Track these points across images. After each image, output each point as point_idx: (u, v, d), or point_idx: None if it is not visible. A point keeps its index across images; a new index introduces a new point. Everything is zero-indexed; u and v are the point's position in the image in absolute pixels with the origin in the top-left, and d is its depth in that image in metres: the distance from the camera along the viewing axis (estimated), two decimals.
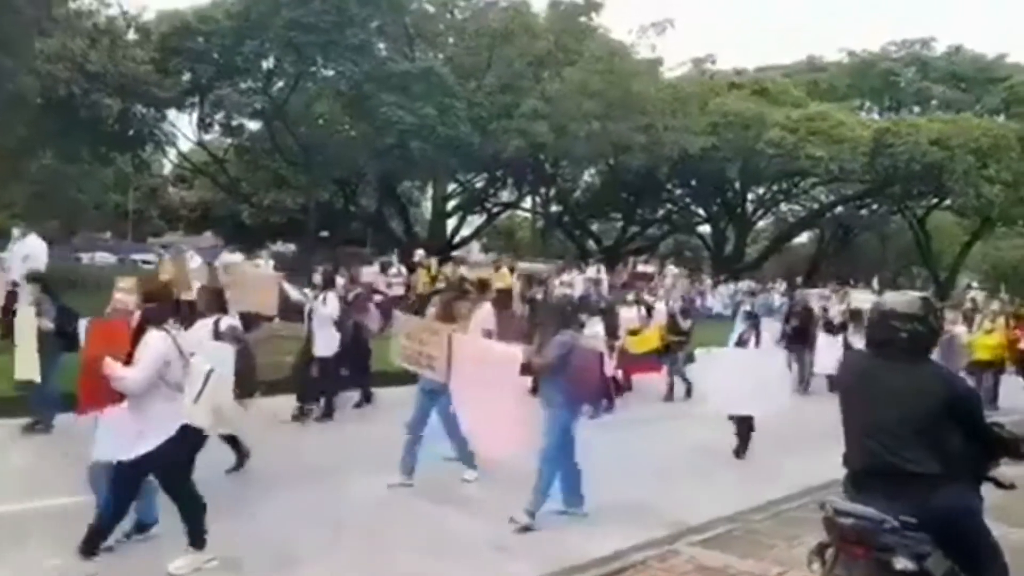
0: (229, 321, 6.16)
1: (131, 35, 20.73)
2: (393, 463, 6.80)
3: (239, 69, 21.92)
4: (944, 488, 3.19)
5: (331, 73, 22.58)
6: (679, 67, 28.11)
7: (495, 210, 31.56)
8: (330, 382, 9.25)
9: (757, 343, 9.03)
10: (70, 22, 18.68)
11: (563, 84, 22.46)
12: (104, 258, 28.88)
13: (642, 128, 23.03)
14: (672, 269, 24.49)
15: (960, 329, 12.59)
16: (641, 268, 29.81)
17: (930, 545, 3.16)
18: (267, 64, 22.35)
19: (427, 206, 30.62)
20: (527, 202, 30.03)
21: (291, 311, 9.63)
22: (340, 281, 10.29)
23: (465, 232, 30.25)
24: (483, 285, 10.74)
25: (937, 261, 32.63)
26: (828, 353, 12.43)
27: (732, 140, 25.48)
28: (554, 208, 30.24)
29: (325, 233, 26.77)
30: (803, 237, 37.18)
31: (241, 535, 5.31)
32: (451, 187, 28.54)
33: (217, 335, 5.94)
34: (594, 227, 34.18)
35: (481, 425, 6.22)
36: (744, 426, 8.55)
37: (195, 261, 13.32)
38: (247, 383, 6.28)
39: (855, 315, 11.04)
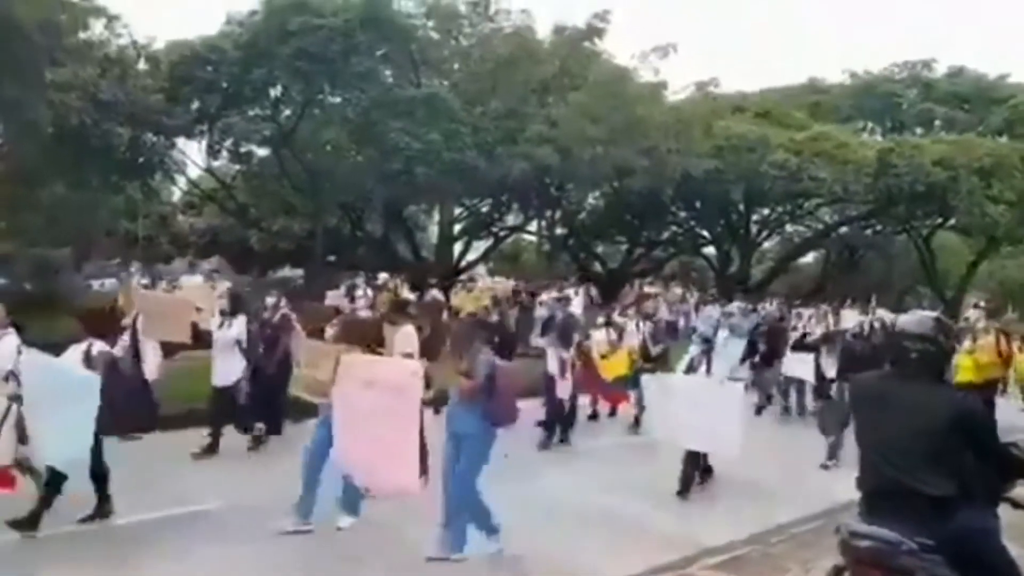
0: (101, 347, 5.97)
1: (141, 64, 20.94)
2: (283, 505, 6.28)
3: (247, 97, 22.16)
4: (960, 509, 3.20)
5: (338, 100, 22.80)
6: (682, 90, 28.30)
7: (501, 234, 31.68)
8: (229, 413, 8.68)
9: (708, 370, 8.24)
10: (81, 52, 18.95)
11: (567, 109, 22.61)
12: (114, 284, 29.03)
13: (646, 151, 23.14)
14: (651, 289, 24.10)
15: None
16: (647, 289, 29.84)
17: (947, 567, 3.17)
18: (275, 92, 22.56)
19: (433, 230, 30.71)
20: (533, 225, 30.11)
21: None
22: (270, 301, 9.88)
23: (471, 256, 30.33)
24: (397, 306, 10.16)
25: (943, 280, 32.56)
26: (797, 365, 11.77)
27: (736, 162, 25.58)
28: (559, 231, 30.33)
29: (332, 258, 26.86)
30: (808, 257, 37.18)
31: None
32: (457, 211, 28.66)
33: (88, 361, 5.80)
34: (599, 249, 34.24)
35: (368, 457, 5.52)
36: (692, 462, 7.85)
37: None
38: (137, 413, 6.16)
39: (827, 338, 10.24)
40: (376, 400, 5.40)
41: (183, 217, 34.44)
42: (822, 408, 9.69)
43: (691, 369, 8.36)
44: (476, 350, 5.64)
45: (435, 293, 16.06)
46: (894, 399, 3.35)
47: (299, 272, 29.70)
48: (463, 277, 28.46)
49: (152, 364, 8.72)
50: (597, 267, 33.57)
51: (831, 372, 9.57)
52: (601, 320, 12.34)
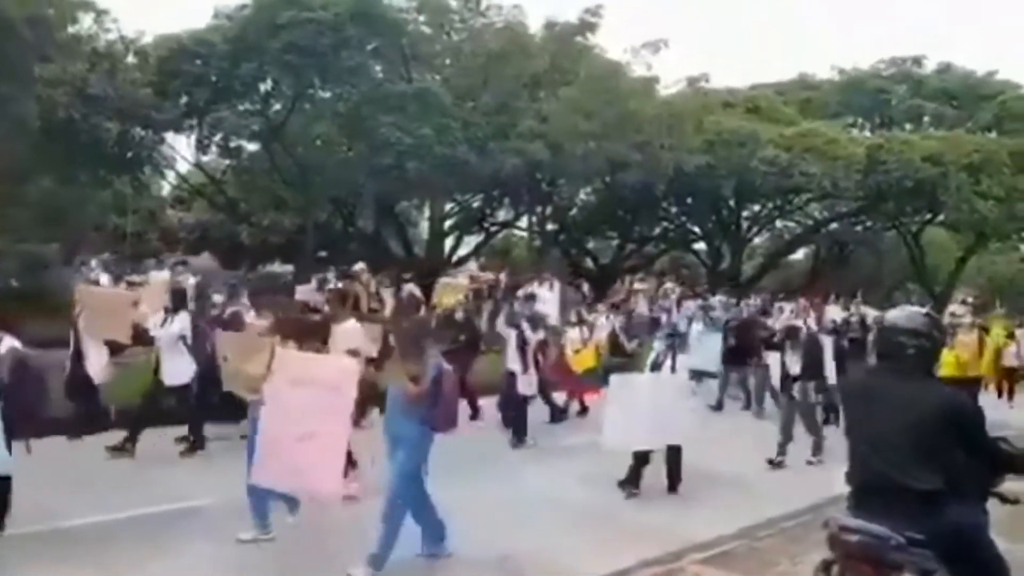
0: (11, 343, 5.62)
1: (130, 59, 20.83)
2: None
3: (237, 91, 22.03)
4: (949, 504, 3.22)
5: (328, 95, 22.72)
6: (674, 85, 28.33)
7: (492, 229, 31.65)
8: (192, 412, 8.35)
9: (674, 366, 8.05)
10: (70, 47, 18.81)
11: (559, 104, 22.61)
12: (104, 279, 28.83)
13: (638, 146, 23.17)
14: (641, 285, 23.80)
15: None
16: (637, 286, 29.86)
17: (936, 562, 3.19)
18: (265, 86, 22.46)
19: (425, 226, 30.69)
20: (524, 221, 30.11)
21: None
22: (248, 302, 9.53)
23: (463, 251, 30.30)
24: (341, 300, 9.67)
25: (932, 276, 32.74)
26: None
27: (727, 158, 25.62)
28: (550, 226, 30.33)
29: (323, 253, 26.78)
30: (799, 254, 37.32)
31: None
32: (448, 207, 28.62)
33: None
34: (590, 245, 34.25)
35: (292, 458, 5.22)
36: (641, 461, 7.65)
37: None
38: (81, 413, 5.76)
39: (791, 332, 10.00)
40: (308, 399, 5.17)
41: (172, 212, 34.26)
42: (787, 406, 9.38)
43: (656, 366, 8.16)
44: (424, 352, 5.38)
45: (411, 288, 15.86)
46: (885, 394, 3.37)
47: (289, 268, 29.58)
48: (448, 271, 28.44)
49: (97, 365, 8.54)
50: (588, 263, 33.57)
51: (795, 368, 9.32)
52: (574, 319, 12.31)
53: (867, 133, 32.52)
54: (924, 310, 3.86)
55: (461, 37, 25.35)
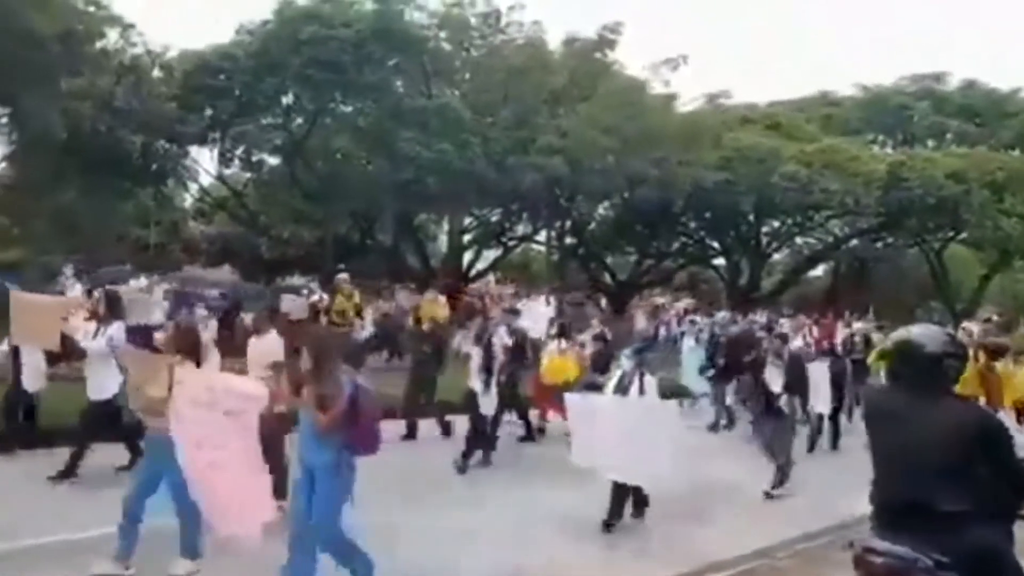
0: None
1: (155, 73, 21.19)
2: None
3: (259, 106, 22.35)
4: (975, 526, 3.16)
5: (349, 109, 22.97)
6: (693, 102, 28.36)
7: (510, 244, 31.71)
8: (84, 432, 7.52)
9: (641, 389, 7.13)
10: (97, 61, 19.16)
11: (578, 119, 22.69)
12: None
13: (656, 162, 23.19)
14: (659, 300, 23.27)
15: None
16: (655, 300, 29.71)
17: None
18: (287, 100, 22.75)
19: (443, 240, 30.80)
20: (542, 235, 30.15)
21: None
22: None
23: (481, 265, 30.37)
24: (265, 312, 8.46)
25: (955, 294, 32.39)
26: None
27: (746, 174, 25.57)
28: (569, 241, 30.35)
29: (342, 266, 26.93)
30: (819, 270, 37.05)
31: None
32: (467, 221, 28.74)
33: None
34: (609, 260, 34.22)
35: (211, 490, 4.74)
36: (621, 493, 6.94)
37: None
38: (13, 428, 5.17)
39: (772, 349, 9.34)
40: (210, 423, 4.68)
41: (194, 224, 34.62)
42: (769, 427, 8.78)
43: (621, 388, 7.19)
44: (332, 371, 4.80)
45: (403, 298, 15.76)
46: (907, 413, 3.32)
47: (305, 279, 29.75)
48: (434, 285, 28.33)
49: (30, 374, 8.13)
50: (607, 278, 33.51)
51: (776, 386, 8.70)
52: (554, 331, 11.31)
53: (889, 150, 32.34)
54: (946, 328, 3.81)
55: (481, 53, 25.54)
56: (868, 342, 14.42)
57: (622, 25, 24.66)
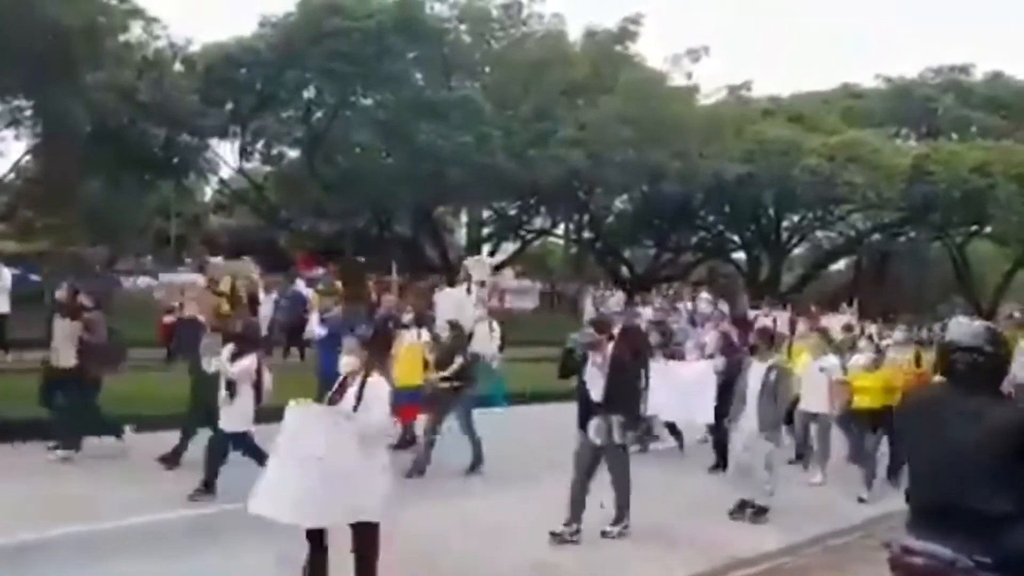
0: None
1: (177, 66, 21.27)
2: None
3: (280, 99, 22.42)
4: (1016, 528, 3.11)
5: (370, 102, 22.98)
6: (715, 94, 28.15)
7: (529, 237, 31.67)
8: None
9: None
10: (120, 54, 19.25)
11: (598, 112, 22.58)
12: (146, 282, 29.48)
13: (677, 155, 23.06)
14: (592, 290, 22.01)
15: (827, 361, 8.91)
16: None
17: None
18: (307, 94, 22.79)
19: (462, 233, 30.81)
20: (560, 229, 30.11)
21: None
22: None
23: (499, 258, 30.35)
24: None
25: (978, 289, 32.01)
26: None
27: (767, 166, 25.36)
28: (587, 234, 30.28)
29: (361, 259, 27.03)
30: (840, 264, 36.75)
31: None
32: (486, 214, 28.74)
33: None
34: (627, 253, 34.13)
35: None
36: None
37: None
38: None
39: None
40: None
41: (215, 217, 34.86)
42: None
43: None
44: None
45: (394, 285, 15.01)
46: (948, 413, 3.26)
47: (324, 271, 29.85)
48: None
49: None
50: (624, 271, 33.43)
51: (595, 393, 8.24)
52: (409, 318, 9.34)
53: (913, 143, 31.92)
54: (985, 324, 3.73)
55: (502, 45, 25.48)
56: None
57: (643, 17, 24.54)
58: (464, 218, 29.61)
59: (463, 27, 24.63)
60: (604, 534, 6.39)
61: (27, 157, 22.22)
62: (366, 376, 4.86)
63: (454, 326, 8.99)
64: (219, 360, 6.90)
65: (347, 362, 4.95)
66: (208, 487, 6.75)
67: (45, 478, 7.21)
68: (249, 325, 7.89)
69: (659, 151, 22.52)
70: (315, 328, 9.57)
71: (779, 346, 9.42)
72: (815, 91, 34.32)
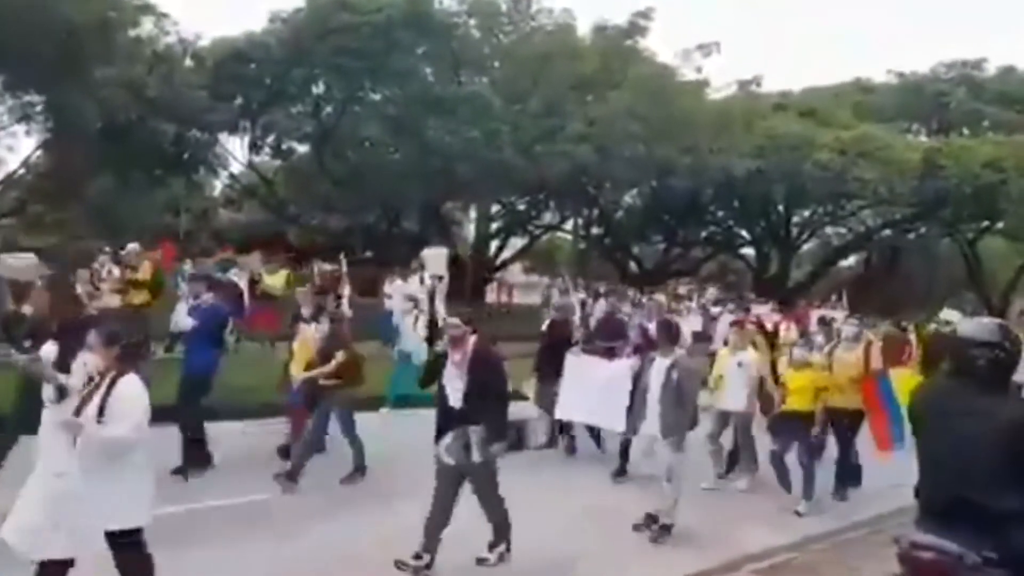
0: None
1: (187, 62, 21.34)
2: None
3: (289, 94, 22.45)
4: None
5: (378, 97, 23.00)
6: (725, 88, 28.04)
7: (537, 232, 31.65)
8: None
9: None
10: (130, 50, 19.33)
11: (607, 107, 22.52)
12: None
13: (686, 150, 22.98)
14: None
15: (745, 356, 8.14)
16: (681, 290, 29.58)
17: None
18: (316, 89, 22.80)
19: (470, 228, 30.83)
20: (569, 224, 30.07)
21: None
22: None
23: (508, 253, 30.37)
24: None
25: (989, 286, 31.80)
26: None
27: (778, 162, 25.20)
28: (596, 230, 30.23)
29: (369, 254, 27.08)
30: (850, 260, 36.58)
31: None
32: (494, 209, 28.72)
33: None
34: (635, 249, 34.08)
35: None
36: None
37: None
38: None
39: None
40: None
41: (224, 212, 34.98)
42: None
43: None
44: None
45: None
46: (958, 408, 3.25)
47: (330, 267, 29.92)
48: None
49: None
50: (633, 267, 33.39)
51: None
52: (309, 310, 8.32)
53: (924, 138, 31.70)
54: (997, 320, 3.72)
55: (511, 40, 25.44)
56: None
57: (653, 12, 24.44)
58: (473, 213, 29.60)
59: (472, 22, 24.61)
60: (480, 562, 5.54)
61: (38, 152, 22.34)
62: (115, 379, 4.21)
63: (333, 319, 8.09)
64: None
65: (89, 361, 4.25)
66: None
67: None
68: None
69: (668, 146, 22.44)
70: (182, 319, 8.09)
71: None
72: (826, 86, 34.13)
